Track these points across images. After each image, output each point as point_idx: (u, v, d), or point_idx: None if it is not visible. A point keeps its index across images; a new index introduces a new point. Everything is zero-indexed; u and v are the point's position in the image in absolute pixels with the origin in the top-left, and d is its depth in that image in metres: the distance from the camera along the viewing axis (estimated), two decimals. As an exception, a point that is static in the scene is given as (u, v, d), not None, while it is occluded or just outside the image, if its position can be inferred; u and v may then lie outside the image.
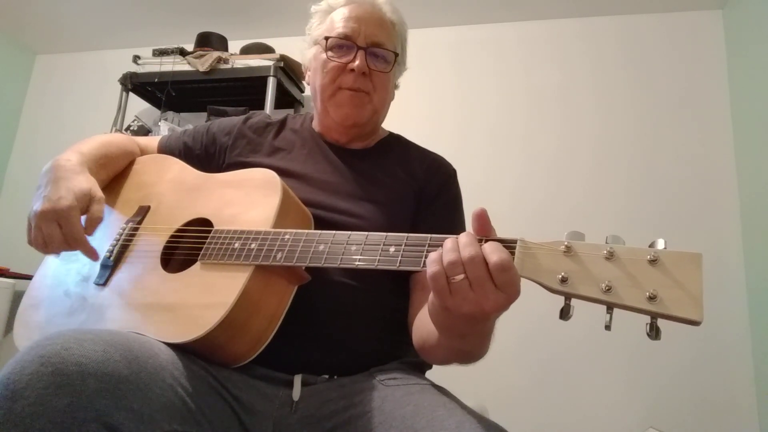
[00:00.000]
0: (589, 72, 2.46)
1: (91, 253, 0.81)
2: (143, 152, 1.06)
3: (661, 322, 0.51)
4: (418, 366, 0.89)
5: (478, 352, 0.69)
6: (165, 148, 1.07)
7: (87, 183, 0.83)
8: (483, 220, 0.60)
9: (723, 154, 2.22)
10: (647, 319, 0.52)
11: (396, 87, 1.09)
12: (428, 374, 0.90)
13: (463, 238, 0.58)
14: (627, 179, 2.28)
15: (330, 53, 0.96)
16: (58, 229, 0.78)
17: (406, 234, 0.65)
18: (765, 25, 2.02)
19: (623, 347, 2.10)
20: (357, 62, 0.93)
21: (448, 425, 0.61)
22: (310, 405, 0.74)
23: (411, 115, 2.55)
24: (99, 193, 0.83)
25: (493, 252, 0.55)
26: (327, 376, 0.79)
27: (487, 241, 0.58)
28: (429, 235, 0.64)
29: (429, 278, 0.58)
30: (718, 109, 2.27)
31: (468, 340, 0.66)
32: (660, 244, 0.52)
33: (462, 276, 0.56)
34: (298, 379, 0.77)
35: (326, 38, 0.96)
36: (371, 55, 0.95)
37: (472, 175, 2.38)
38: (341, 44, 0.95)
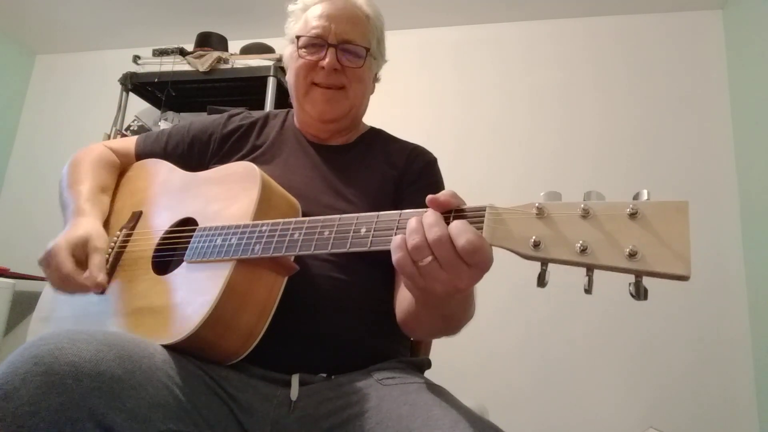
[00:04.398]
0: (589, 72, 2.46)
1: (86, 286, 0.78)
2: (120, 156, 1.06)
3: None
4: (416, 365, 0.89)
5: (461, 315, 0.69)
6: (144, 151, 1.06)
7: (82, 229, 0.84)
8: (435, 205, 0.57)
9: (723, 154, 2.22)
10: (635, 285, 0.48)
11: (377, 80, 1.08)
12: (428, 374, 0.90)
13: (428, 217, 0.56)
14: (627, 179, 2.27)
15: (302, 51, 0.97)
16: (49, 270, 0.81)
17: (377, 213, 0.64)
18: (765, 25, 2.02)
19: (624, 347, 2.10)
20: (327, 59, 0.94)
21: (443, 424, 0.60)
22: (308, 405, 0.74)
23: (413, 114, 2.56)
24: (95, 235, 0.83)
25: (459, 234, 0.53)
26: (324, 375, 0.79)
27: (455, 216, 0.56)
28: (400, 212, 0.62)
29: (395, 264, 0.56)
30: (718, 108, 2.27)
31: (448, 306, 0.65)
32: (644, 195, 0.49)
33: (430, 258, 0.54)
34: (295, 379, 0.77)
35: (298, 37, 0.98)
36: (342, 51, 0.96)
37: (473, 175, 2.40)
38: (313, 42, 0.96)
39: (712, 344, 2.03)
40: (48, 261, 0.80)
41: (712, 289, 2.06)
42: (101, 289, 0.80)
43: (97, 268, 0.79)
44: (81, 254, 0.81)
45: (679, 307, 2.03)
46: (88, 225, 0.85)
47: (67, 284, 0.79)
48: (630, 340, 2.09)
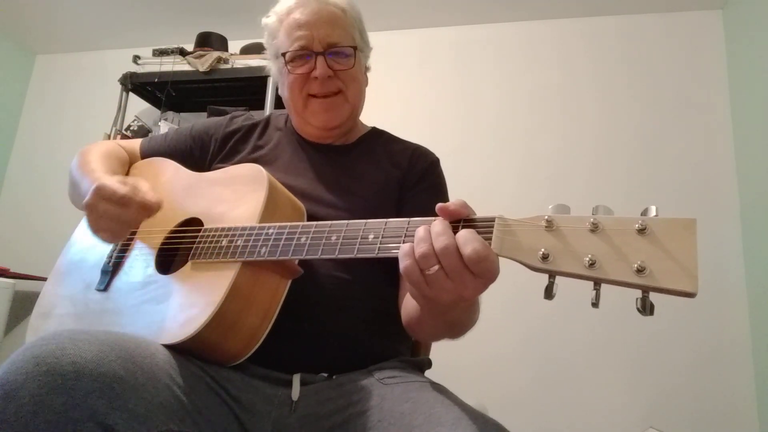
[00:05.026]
0: (589, 72, 2.46)
1: (146, 202, 0.76)
2: (127, 153, 1.07)
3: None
4: (417, 364, 0.89)
5: (465, 322, 0.69)
6: (148, 152, 1.07)
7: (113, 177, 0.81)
8: (445, 213, 0.58)
9: (723, 154, 2.22)
10: (642, 301, 0.48)
11: (368, 69, 1.07)
12: (428, 373, 0.90)
13: (436, 226, 0.56)
14: (627, 179, 2.28)
15: (290, 66, 0.96)
16: (102, 203, 0.76)
17: (385, 220, 0.64)
18: (765, 25, 2.02)
19: (624, 347, 2.10)
20: (318, 69, 0.93)
21: (445, 421, 0.60)
22: (309, 404, 0.74)
23: (413, 114, 2.56)
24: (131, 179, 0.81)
25: (466, 243, 0.53)
26: (326, 375, 0.79)
27: (464, 226, 0.56)
28: (408, 219, 0.62)
29: (402, 272, 0.57)
30: (718, 108, 2.27)
31: (453, 313, 0.65)
32: (651, 212, 0.49)
33: (437, 267, 0.55)
34: (296, 379, 0.77)
35: (283, 54, 0.96)
36: (331, 56, 0.95)
37: (474, 175, 2.41)
38: (299, 55, 0.95)
39: (713, 344, 2.03)
40: (98, 197, 0.75)
41: (713, 290, 2.06)
42: (158, 208, 0.77)
43: (149, 189, 0.77)
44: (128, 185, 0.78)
45: (680, 307, 2.02)
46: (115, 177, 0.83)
47: (125, 209, 0.75)
48: (630, 339, 2.09)
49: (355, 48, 0.97)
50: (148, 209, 0.77)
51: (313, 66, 0.94)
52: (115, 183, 0.76)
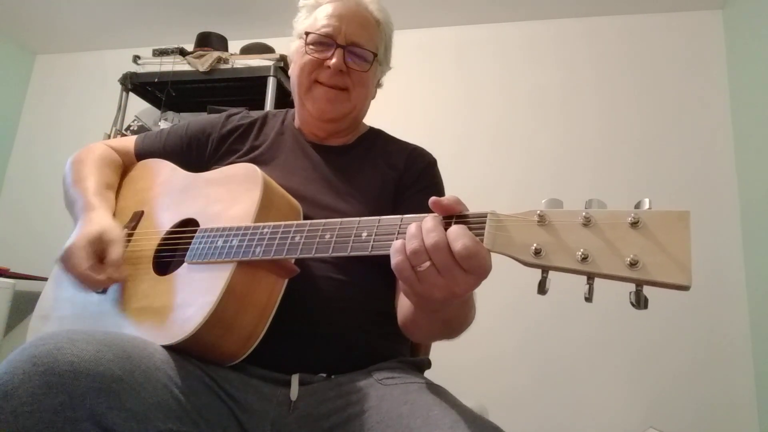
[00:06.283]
0: (590, 72, 2.46)
1: (104, 283, 0.80)
2: (120, 155, 1.07)
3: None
4: (416, 365, 0.89)
5: (461, 320, 0.69)
6: (143, 150, 1.06)
7: (95, 224, 0.84)
8: (438, 208, 0.58)
9: (723, 153, 2.22)
10: (635, 294, 0.48)
11: (379, 86, 1.09)
12: (428, 374, 0.90)
13: (427, 222, 0.56)
14: (627, 178, 2.28)
15: (309, 47, 0.97)
16: (67, 270, 0.80)
17: (378, 217, 0.64)
18: (765, 25, 2.02)
19: (624, 347, 2.10)
20: (334, 60, 0.94)
21: (442, 424, 0.60)
22: (308, 404, 0.74)
23: (413, 115, 2.56)
24: (109, 227, 0.83)
25: (456, 239, 0.53)
26: (324, 375, 0.79)
27: (456, 221, 0.56)
28: (401, 216, 0.62)
29: (394, 269, 0.56)
30: (718, 108, 2.27)
31: (447, 311, 0.65)
32: (645, 205, 0.49)
33: (428, 263, 0.54)
34: (295, 379, 0.77)
35: (307, 33, 0.98)
36: (350, 53, 0.96)
37: (474, 176, 2.41)
38: (321, 41, 0.96)
39: (713, 344, 2.03)
40: (65, 261, 0.80)
41: (713, 289, 2.06)
42: (122, 281, 0.81)
43: (115, 262, 0.79)
44: (99, 249, 0.80)
45: (680, 307, 2.03)
46: (100, 219, 0.85)
47: (85, 283, 0.79)
48: (630, 339, 2.09)
49: (375, 55, 0.98)
50: (106, 285, 0.81)
51: (330, 55, 0.95)
52: (82, 255, 0.78)
